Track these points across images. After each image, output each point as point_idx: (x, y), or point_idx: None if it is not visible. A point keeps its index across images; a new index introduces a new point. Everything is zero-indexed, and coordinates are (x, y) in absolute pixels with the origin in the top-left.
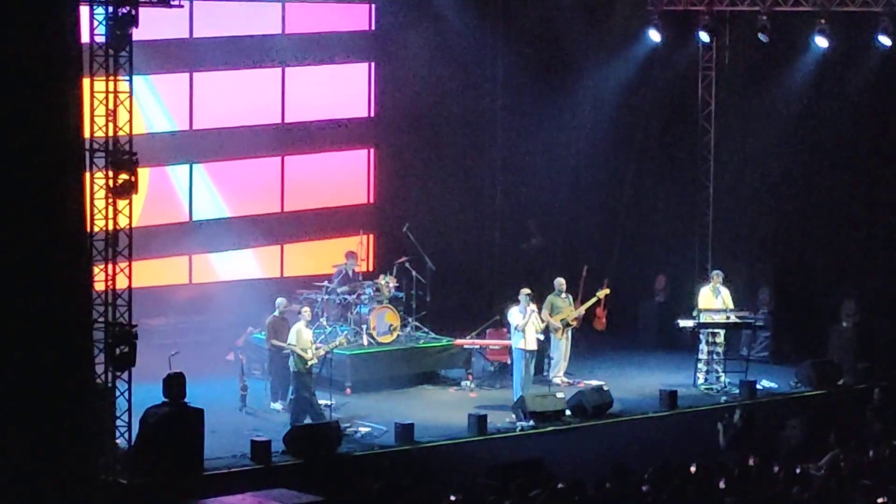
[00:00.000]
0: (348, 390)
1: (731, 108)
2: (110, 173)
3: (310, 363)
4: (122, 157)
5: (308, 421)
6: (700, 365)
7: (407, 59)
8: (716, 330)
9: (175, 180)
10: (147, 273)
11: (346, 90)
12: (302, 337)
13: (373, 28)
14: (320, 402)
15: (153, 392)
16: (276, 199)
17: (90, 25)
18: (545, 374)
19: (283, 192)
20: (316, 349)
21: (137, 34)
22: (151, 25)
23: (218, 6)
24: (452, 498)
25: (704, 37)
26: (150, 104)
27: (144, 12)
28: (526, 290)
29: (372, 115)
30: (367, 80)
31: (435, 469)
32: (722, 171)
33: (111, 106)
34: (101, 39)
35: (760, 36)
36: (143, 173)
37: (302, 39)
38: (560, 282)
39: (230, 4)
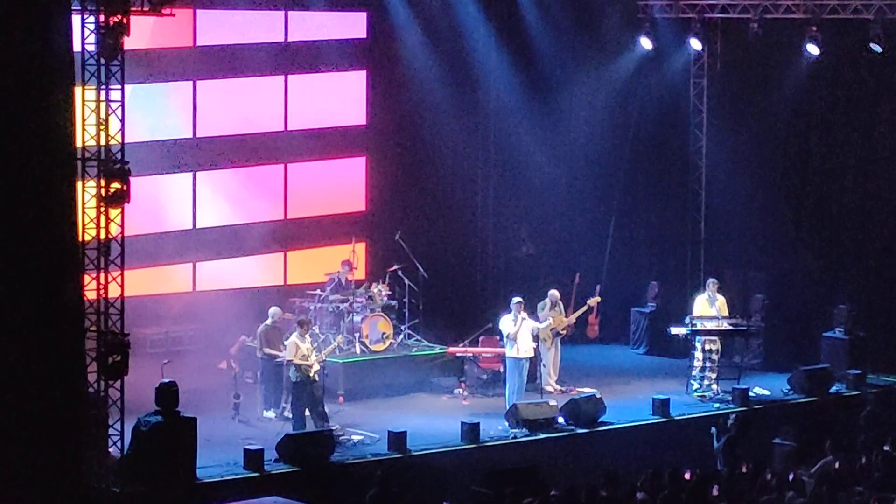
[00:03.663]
0: (341, 398)
1: (722, 116)
2: (102, 182)
3: (313, 371)
4: (114, 166)
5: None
6: (693, 372)
7: (399, 67)
8: (712, 337)
9: (176, 188)
10: (142, 282)
11: (342, 98)
12: (301, 347)
13: (367, 36)
14: None
15: (146, 401)
16: (277, 208)
17: (81, 34)
18: (538, 381)
19: (286, 199)
20: (315, 356)
21: (141, 43)
22: (154, 35)
23: (220, 15)
24: None
25: (696, 44)
26: (153, 112)
27: (145, 21)
28: (517, 299)
29: (366, 122)
30: (363, 88)
31: (428, 477)
32: (714, 178)
33: (103, 115)
34: (93, 48)
35: (752, 40)
36: (142, 182)
37: (299, 50)
38: (554, 294)
39: (231, 13)
